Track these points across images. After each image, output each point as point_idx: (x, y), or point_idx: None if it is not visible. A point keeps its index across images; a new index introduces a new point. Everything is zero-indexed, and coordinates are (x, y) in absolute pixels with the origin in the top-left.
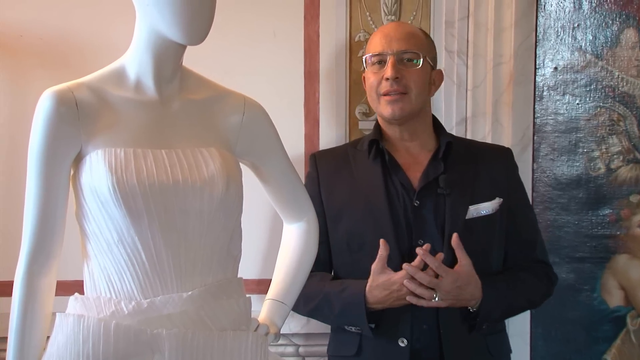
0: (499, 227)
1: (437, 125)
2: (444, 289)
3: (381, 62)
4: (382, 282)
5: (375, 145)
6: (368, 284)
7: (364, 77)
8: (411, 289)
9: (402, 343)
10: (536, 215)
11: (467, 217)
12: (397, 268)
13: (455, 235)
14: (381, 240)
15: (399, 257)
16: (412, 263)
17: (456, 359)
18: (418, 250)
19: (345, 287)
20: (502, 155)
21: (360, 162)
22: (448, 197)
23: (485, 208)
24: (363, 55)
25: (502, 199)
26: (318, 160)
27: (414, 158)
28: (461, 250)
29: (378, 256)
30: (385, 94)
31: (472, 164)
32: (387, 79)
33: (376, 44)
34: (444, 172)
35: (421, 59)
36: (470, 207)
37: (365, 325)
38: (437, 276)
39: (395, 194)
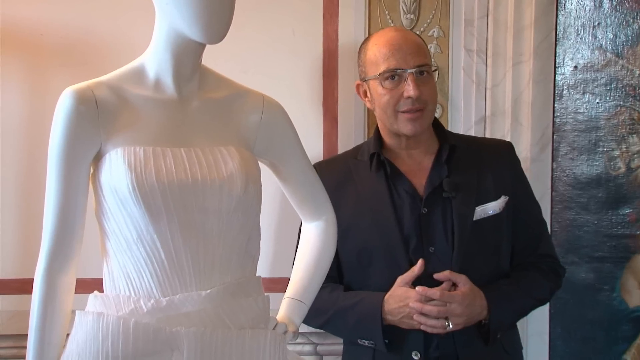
0: (506, 225)
1: (435, 126)
2: (456, 314)
3: (395, 77)
4: (399, 293)
5: (377, 157)
6: (389, 292)
7: (358, 85)
8: (423, 322)
9: (416, 356)
10: (555, 215)
11: (474, 219)
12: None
13: (445, 273)
14: (420, 260)
15: (410, 268)
16: (429, 292)
17: None
18: (418, 289)
19: (361, 299)
20: (504, 151)
21: (362, 175)
22: (454, 200)
23: (492, 208)
24: (363, 63)
25: (507, 197)
26: (320, 174)
27: (418, 164)
28: (453, 274)
29: (410, 271)
30: (405, 112)
31: (475, 164)
32: (409, 97)
33: (388, 58)
34: (448, 175)
35: (435, 72)
36: (476, 208)
37: (380, 338)
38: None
39: (401, 204)
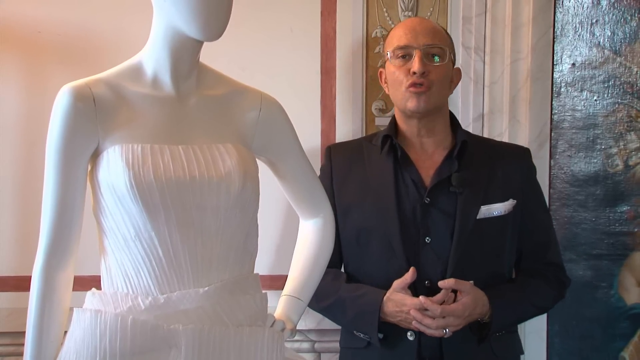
0: (511, 229)
1: (454, 123)
2: (454, 324)
3: (405, 56)
4: (396, 299)
5: (389, 141)
6: (386, 294)
7: (380, 72)
8: (422, 329)
9: (411, 337)
10: (553, 213)
11: (478, 217)
12: (402, 266)
13: (450, 282)
14: (412, 269)
15: (404, 255)
16: (433, 298)
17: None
18: (423, 300)
19: (362, 294)
20: (519, 156)
21: (373, 157)
22: (460, 196)
23: (498, 209)
24: (382, 49)
25: (515, 201)
26: (333, 153)
27: (429, 155)
28: (458, 283)
29: (403, 278)
30: (410, 87)
31: (487, 164)
32: (414, 73)
33: (400, 37)
34: (458, 171)
35: (447, 55)
36: (482, 207)
37: (375, 335)
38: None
39: (405, 191)
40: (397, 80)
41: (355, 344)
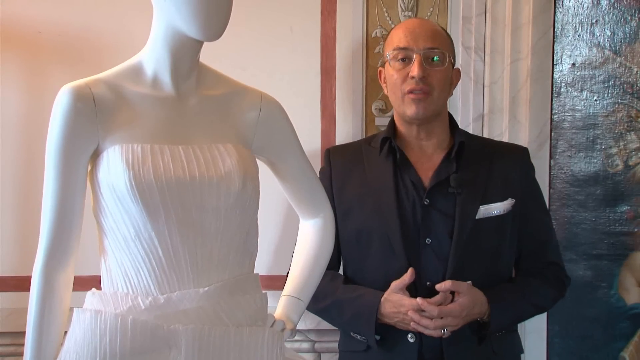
0: (510, 228)
1: (452, 124)
2: (452, 324)
3: (405, 59)
4: (394, 299)
5: (388, 143)
6: (384, 295)
7: (380, 71)
8: (420, 330)
9: (411, 339)
10: (553, 213)
11: (477, 217)
12: (403, 267)
13: (446, 285)
14: (410, 269)
15: (404, 257)
16: (431, 300)
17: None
18: (421, 301)
19: (360, 295)
20: (517, 155)
21: (372, 159)
22: (459, 197)
23: (497, 208)
24: (382, 50)
25: (514, 200)
26: (332, 155)
27: (427, 157)
28: (455, 284)
29: (401, 279)
30: (409, 92)
31: (485, 164)
32: (413, 77)
33: (400, 38)
34: (456, 172)
35: (447, 59)
36: (481, 206)
37: (372, 336)
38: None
39: (405, 192)
40: (395, 85)
41: (354, 347)
